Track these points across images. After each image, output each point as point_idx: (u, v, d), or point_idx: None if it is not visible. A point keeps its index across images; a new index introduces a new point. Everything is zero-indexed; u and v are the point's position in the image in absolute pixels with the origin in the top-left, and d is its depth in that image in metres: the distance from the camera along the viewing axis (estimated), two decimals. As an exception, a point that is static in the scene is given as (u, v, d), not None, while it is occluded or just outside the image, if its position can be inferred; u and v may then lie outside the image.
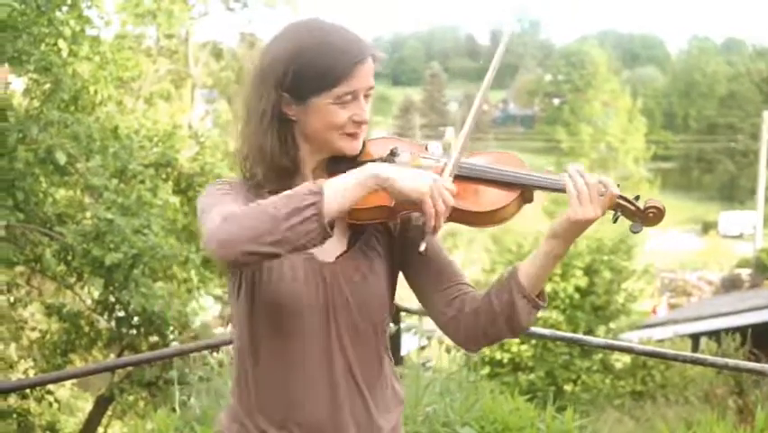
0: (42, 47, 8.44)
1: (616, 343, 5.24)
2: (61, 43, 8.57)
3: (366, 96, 1.95)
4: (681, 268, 38.33)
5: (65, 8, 8.90)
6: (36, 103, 9.12)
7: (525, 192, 1.97)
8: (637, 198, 1.94)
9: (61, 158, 7.98)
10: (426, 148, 2.10)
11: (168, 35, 20.17)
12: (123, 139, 9.65)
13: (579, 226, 1.90)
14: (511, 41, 2.25)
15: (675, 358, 3.94)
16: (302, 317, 1.93)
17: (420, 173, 1.82)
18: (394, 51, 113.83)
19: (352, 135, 1.96)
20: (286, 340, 1.93)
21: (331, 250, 1.98)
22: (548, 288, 15.66)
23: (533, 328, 4.09)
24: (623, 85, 65.13)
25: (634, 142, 59.34)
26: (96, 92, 9.40)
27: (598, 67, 65.01)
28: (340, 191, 1.74)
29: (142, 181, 8.97)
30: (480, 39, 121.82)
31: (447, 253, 2.12)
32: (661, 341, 15.25)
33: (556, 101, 73.30)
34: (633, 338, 15.67)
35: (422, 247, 1.85)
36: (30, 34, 8.33)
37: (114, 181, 8.58)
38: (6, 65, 8.91)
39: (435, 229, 1.82)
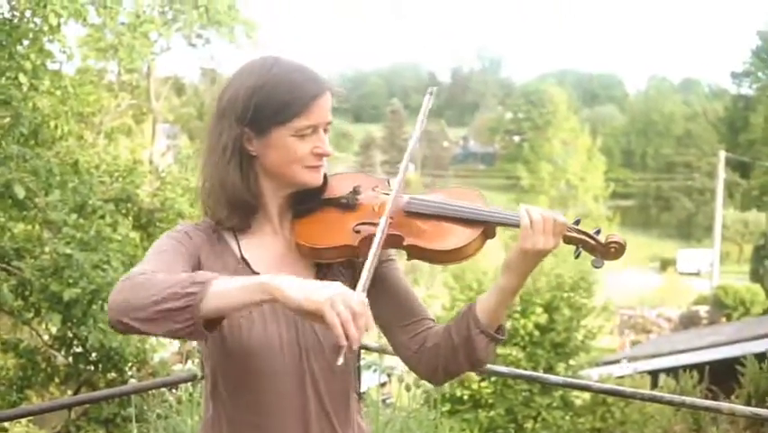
0: (2, 80, 8.40)
1: (575, 381, 5.28)
2: (22, 77, 8.53)
3: (325, 131, 1.98)
4: (640, 305, 38.59)
5: (26, 42, 8.87)
6: (-5, 137, 9.05)
7: (487, 228, 1.98)
8: (598, 231, 1.96)
9: (20, 192, 7.91)
10: (389, 183, 2.12)
11: (129, 70, 20.12)
12: (84, 174, 9.59)
13: (531, 257, 1.91)
14: (433, 102, 2.23)
15: (633, 396, 3.97)
16: (274, 359, 1.92)
17: (321, 286, 1.67)
18: (355, 88, 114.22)
19: (314, 168, 1.98)
20: (259, 382, 1.92)
21: None
22: (508, 325, 15.70)
23: (492, 366, 4.10)
24: (582, 123, 65.80)
25: (593, 179, 59.89)
26: (56, 126, 9.34)
27: (557, 105, 65.68)
28: (224, 292, 1.65)
29: (102, 216, 8.91)
30: (441, 76, 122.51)
31: (411, 287, 2.14)
32: (621, 378, 15.31)
33: (516, 139, 73.91)
34: (593, 375, 15.75)
35: (339, 361, 1.67)
36: (-10, 68, 8.30)
37: (74, 216, 8.51)
38: (-34, 98, 8.85)
39: (348, 340, 1.62)
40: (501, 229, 2.02)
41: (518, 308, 16.00)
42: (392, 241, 1.97)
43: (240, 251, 2.00)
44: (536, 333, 16.08)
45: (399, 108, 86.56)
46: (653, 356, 19.69)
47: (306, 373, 1.95)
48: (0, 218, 8.72)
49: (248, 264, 1.99)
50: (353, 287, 2.05)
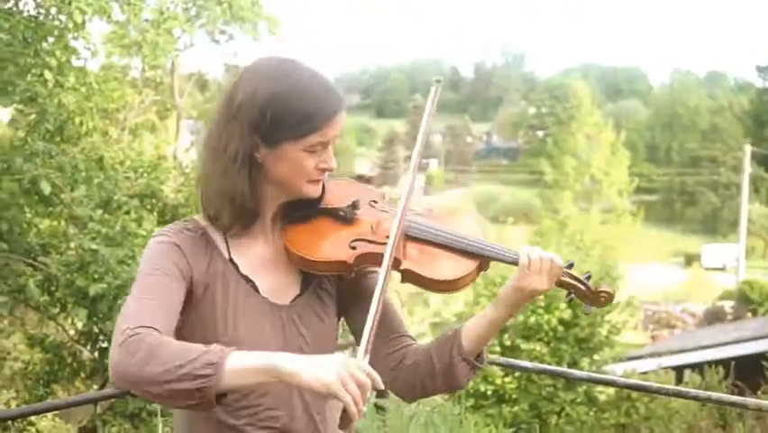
0: (28, 78, 8.46)
1: (599, 376, 5.25)
2: (47, 74, 8.59)
3: (332, 144, 1.96)
4: (664, 300, 38.41)
5: (51, 39, 8.93)
6: (21, 133, 9.13)
7: (482, 262, 1.99)
8: (588, 277, 1.99)
9: (46, 188, 7.97)
10: (384, 197, 2.10)
11: (153, 66, 20.19)
12: (108, 170, 9.64)
13: (524, 295, 1.95)
14: (436, 98, 2.26)
15: (659, 391, 3.96)
16: None
17: (327, 363, 1.66)
18: (378, 84, 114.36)
19: (316, 181, 1.96)
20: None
21: (286, 293, 2.00)
22: (532, 320, 15.80)
23: (517, 361, 4.10)
24: (606, 118, 65.45)
25: (617, 174, 59.56)
26: (81, 123, 9.40)
27: (581, 100, 65.39)
28: (236, 373, 1.64)
29: (127, 212, 8.95)
30: (464, 71, 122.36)
31: (393, 303, 2.13)
32: (645, 373, 15.24)
33: (540, 133, 73.72)
34: (617, 370, 15.66)
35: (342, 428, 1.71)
36: (16, 65, 8.35)
37: (99, 212, 8.57)
38: (-8, 95, 8.93)
39: (356, 415, 1.66)
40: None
41: (542, 304, 15.96)
42: (391, 262, 1.95)
43: (228, 252, 1.97)
44: (560, 328, 16.02)
45: (422, 104, 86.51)
46: (678, 352, 19.57)
47: None
48: (26, 214, 8.78)
49: (236, 267, 1.96)
50: (337, 291, 2.07)
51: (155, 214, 10.23)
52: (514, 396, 15.32)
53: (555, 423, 15.23)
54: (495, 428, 4.51)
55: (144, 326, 1.70)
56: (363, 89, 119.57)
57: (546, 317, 15.88)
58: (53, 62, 8.79)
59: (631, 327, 23.82)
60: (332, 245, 1.97)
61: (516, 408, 15.16)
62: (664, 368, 16.10)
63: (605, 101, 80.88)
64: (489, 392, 15.27)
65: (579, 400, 15.47)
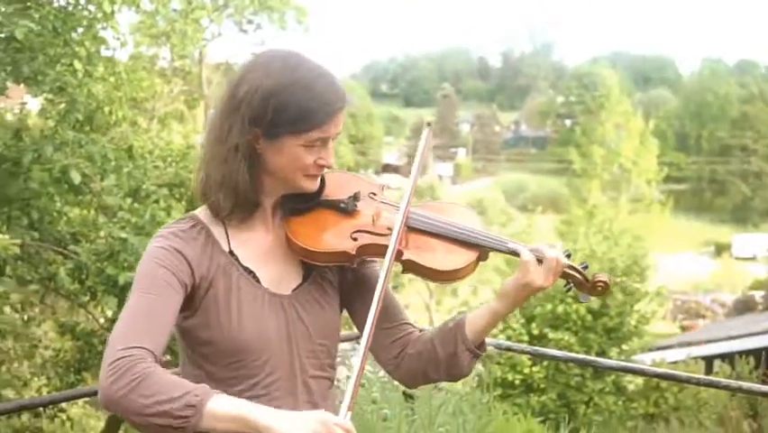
0: (58, 67, 8.50)
1: (629, 365, 5.22)
2: (77, 64, 8.63)
3: (332, 139, 1.95)
4: (693, 290, 38.23)
5: (80, 29, 8.97)
6: (51, 123, 9.17)
7: (482, 253, 2.01)
8: (585, 267, 2.03)
9: (76, 177, 8.02)
10: (383, 189, 2.12)
11: (181, 56, 20.28)
12: (138, 159, 9.70)
13: (528, 291, 1.98)
14: (430, 138, 2.22)
15: (688, 381, 3.93)
16: (266, 350, 1.93)
17: (306, 419, 1.66)
18: (406, 73, 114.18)
19: (314, 176, 1.97)
20: (252, 375, 1.92)
21: (287, 282, 2.01)
22: (560, 309, 15.74)
23: (545, 349, 4.08)
24: (635, 106, 65.10)
25: (646, 163, 59.24)
26: (110, 112, 9.44)
27: (610, 88, 65.08)
28: (216, 417, 1.66)
29: (156, 201, 8.99)
30: (492, 60, 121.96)
31: (393, 292, 2.14)
32: (674, 363, 15.19)
33: (568, 122, 73.43)
34: (646, 360, 15.61)
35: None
36: (46, 55, 8.40)
37: (129, 201, 8.62)
38: (22, 85, 8.98)
39: None
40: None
41: (572, 294, 15.93)
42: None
43: (228, 244, 1.98)
44: (589, 317, 15.98)
45: (451, 93, 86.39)
46: (708, 342, 19.48)
47: (295, 360, 1.96)
48: (56, 203, 8.84)
49: (237, 259, 1.97)
50: (340, 281, 2.09)
51: (183, 203, 10.28)
52: (542, 385, 15.31)
53: (584, 413, 15.21)
54: (523, 417, 4.51)
55: (136, 347, 1.71)
56: (391, 78, 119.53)
57: (575, 306, 15.84)
58: (82, 52, 8.81)
59: (660, 318, 23.70)
60: (333, 237, 1.99)
61: (543, 397, 15.15)
62: (694, 358, 16.04)
63: (634, 90, 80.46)
64: (517, 382, 15.27)
65: (607, 389, 15.44)
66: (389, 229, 1.96)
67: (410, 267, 1.98)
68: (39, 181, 8.23)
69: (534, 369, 15.19)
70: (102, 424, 11.39)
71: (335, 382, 2.16)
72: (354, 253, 1.97)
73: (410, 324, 2.12)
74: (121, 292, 8.34)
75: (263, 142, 1.90)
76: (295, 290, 2.01)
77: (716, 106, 72.52)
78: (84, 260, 8.37)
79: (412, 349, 2.07)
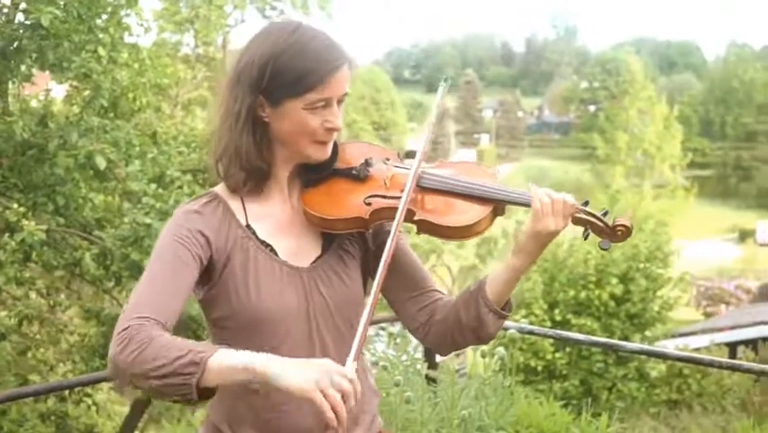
0: (82, 54, 8.55)
1: (651, 348, 5.23)
2: (101, 50, 8.67)
3: (339, 103, 1.95)
4: (717, 276, 38.01)
5: (104, 16, 9.01)
6: (76, 109, 9.24)
7: (497, 207, 2.00)
8: (605, 213, 1.98)
9: (101, 163, 8.08)
10: (398, 155, 2.12)
11: (205, 42, 20.32)
12: (162, 145, 9.75)
13: (542, 238, 1.95)
14: (445, 92, 2.27)
15: (711, 364, 3.94)
16: (284, 323, 1.94)
17: (309, 366, 1.66)
18: (429, 59, 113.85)
19: (322, 143, 1.97)
20: (269, 349, 1.86)
21: (306, 255, 2.01)
22: (583, 295, 15.72)
23: (568, 333, 4.09)
24: (659, 92, 64.69)
25: (670, 149, 58.92)
26: (134, 98, 9.50)
27: (634, 74, 64.66)
28: (219, 371, 1.66)
29: (180, 187, 9.04)
30: (516, 46, 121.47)
31: (418, 259, 2.15)
32: (697, 349, 15.14)
33: (592, 108, 73.06)
34: (669, 346, 15.58)
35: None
36: (71, 42, 8.45)
37: (153, 186, 8.67)
38: (47, 72, 9.05)
39: (333, 422, 1.62)
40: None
41: (593, 279, 15.88)
42: (404, 215, 1.97)
43: (246, 218, 1.99)
44: (612, 304, 15.94)
45: (474, 79, 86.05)
46: (732, 328, 19.38)
47: (315, 334, 1.97)
48: (82, 189, 8.91)
49: (254, 232, 1.98)
50: (362, 252, 2.09)
51: (207, 188, 10.32)
52: (564, 372, 15.30)
53: (606, 399, 15.20)
54: (546, 401, 4.52)
55: (145, 317, 1.73)
56: (414, 65, 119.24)
57: (597, 292, 15.81)
58: (107, 39, 8.87)
59: (684, 304, 23.59)
60: (347, 203, 2.00)
61: (566, 383, 15.14)
62: (717, 344, 15.99)
63: (658, 75, 79.91)
64: (540, 368, 15.27)
65: (630, 376, 15.41)
66: (402, 192, 1.97)
67: (424, 227, 1.99)
68: (64, 167, 8.30)
69: (557, 355, 15.18)
70: (126, 409, 11.50)
71: (366, 361, 2.17)
72: (368, 217, 1.98)
73: (437, 291, 2.12)
74: (145, 277, 8.40)
75: (268, 110, 1.93)
76: (313, 262, 2.01)
77: (741, 92, 71.93)
78: (109, 245, 8.43)
79: (439, 315, 2.06)
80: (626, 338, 15.62)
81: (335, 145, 2.03)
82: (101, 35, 8.79)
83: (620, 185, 50.13)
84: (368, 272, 2.11)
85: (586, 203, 1.98)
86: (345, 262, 2.05)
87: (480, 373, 4.74)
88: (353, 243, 2.08)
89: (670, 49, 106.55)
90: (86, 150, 8.11)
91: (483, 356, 4.48)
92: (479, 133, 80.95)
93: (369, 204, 1.99)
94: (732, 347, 16.75)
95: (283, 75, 1.88)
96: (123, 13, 9.30)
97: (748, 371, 3.88)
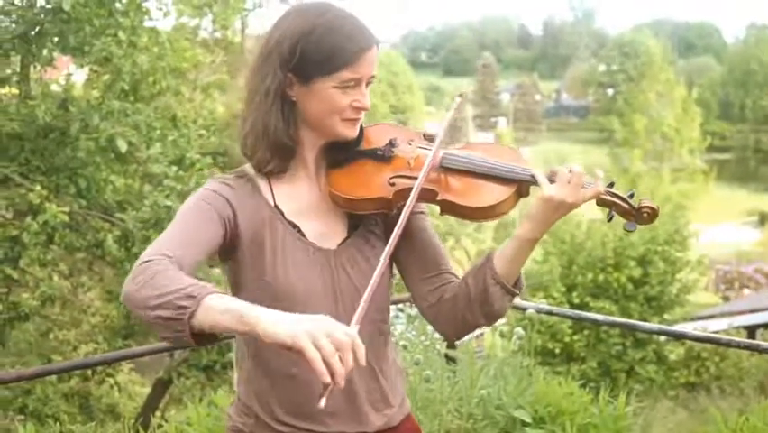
0: (103, 38, 8.61)
1: (668, 328, 5.24)
2: (121, 35, 8.73)
3: (368, 84, 1.96)
4: (736, 260, 37.84)
5: (124, 0, 9.07)
6: (97, 93, 9.31)
7: (520, 186, 1.98)
8: (632, 195, 1.96)
9: (122, 146, 8.15)
10: (424, 136, 2.12)
11: (223, 26, 20.33)
12: (182, 128, 9.81)
13: (552, 207, 1.91)
14: (463, 104, 2.24)
15: (728, 344, 3.95)
16: (311, 305, 1.90)
17: (302, 318, 1.56)
18: (446, 42, 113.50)
19: (351, 121, 1.97)
20: None
21: (332, 237, 2.02)
22: (601, 278, 15.75)
23: (587, 313, 4.12)
24: (678, 75, 64.25)
25: (689, 132, 58.53)
26: (154, 82, 9.56)
27: (652, 56, 64.21)
28: (212, 313, 1.59)
29: (200, 169, 9.11)
30: (533, 29, 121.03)
31: (437, 238, 2.14)
32: (716, 332, 15.14)
33: (610, 91, 72.71)
34: (687, 329, 15.58)
35: (321, 403, 1.51)
36: (91, 26, 8.51)
37: (173, 169, 8.73)
38: (69, 56, 9.12)
39: (332, 378, 1.50)
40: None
41: (612, 262, 15.88)
42: (426, 195, 1.97)
43: (273, 199, 2.00)
44: (630, 286, 15.96)
45: (491, 62, 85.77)
46: (751, 311, 19.35)
47: (341, 315, 1.87)
48: (103, 172, 8.98)
49: (281, 213, 1.99)
50: (386, 232, 2.06)
51: (227, 171, 10.38)
52: (582, 354, 15.34)
53: (624, 381, 15.21)
54: (564, 381, 4.55)
55: (162, 254, 1.73)
56: (431, 48, 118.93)
57: (616, 275, 15.83)
58: (127, 23, 8.92)
59: (702, 288, 23.54)
60: (372, 184, 2.00)
61: (584, 366, 15.18)
62: (736, 327, 15.98)
63: (677, 58, 79.39)
64: (558, 351, 15.31)
65: (648, 358, 15.44)
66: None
67: (447, 207, 1.98)
68: (86, 150, 8.38)
69: (575, 337, 15.22)
70: (148, 390, 11.62)
71: (392, 341, 2.16)
72: (392, 197, 1.98)
73: (452, 273, 2.09)
74: (167, 259, 8.48)
75: (297, 89, 1.93)
76: (340, 244, 2.02)
77: (761, 74, 71.37)
78: (130, 227, 8.52)
79: (449, 294, 2.04)
80: (644, 321, 15.62)
81: (360, 127, 2.03)
82: (121, 19, 8.85)
83: (639, 168, 49.93)
84: (391, 259, 2.08)
85: (611, 184, 1.97)
86: (372, 244, 2.05)
87: (498, 354, 4.78)
88: (379, 225, 2.08)
89: (689, 31, 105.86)
90: (108, 133, 8.19)
91: (502, 336, 4.52)
92: (496, 116, 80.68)
93: (393, 184, 1.99)
94: (751, 331, 16.74)
95: (314, 53, 1.89)
96: (142, -4, 9.36)
97: (766, 351, 3.89)
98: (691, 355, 15.13)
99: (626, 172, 44.57)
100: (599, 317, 4.84)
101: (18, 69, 9.22)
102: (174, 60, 10.26)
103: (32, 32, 8.53)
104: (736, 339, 3.86)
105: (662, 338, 14.96)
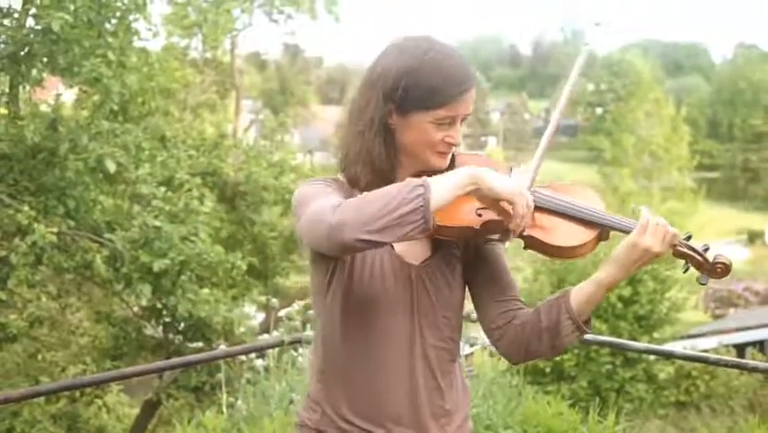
0: (92, 58, 8.61)
1: (657, 347, 5.25)
2: (110, 55, 8.73)
3: (462, 120, 2.07)
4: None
5: (114, 20, 9.07)
6: (86, 113, 9.30)
7: (602, 231, 2.09)
8: (706, 249, 2.04)
9: (111, 166, 8.15)
10: (511, 170, 2.20)
11: (213, 47, 20.38)
12: (171, 148, 9.81)
13: (637, 253, 2.00)
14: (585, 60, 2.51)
15: (717, 363, 3.96)
16: (390, 314, 2.04)
17: (512, 178, 1.99)
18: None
19: (442, 154, 2.07)
20: (373, 335, 2.03)
21: (417, 254, 2.10)
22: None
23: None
24: (666, 94, 64.45)
25: (678, 151, 58.62)
26: (143, 102, 9.56)
27: (641, 76, 64.44)
28: (443, 187, 1.82)
29: (189, 190, 9.11)
30: (523, 49, 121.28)
31: (507, 267, 2.24)
32: (705, 351, 15.14)
33: (599, 110, 72.85)
34: (676, 348, 15.57)
35: (506, 244, 2.04)
36: (81, 46, 8.51)
37: (162, 189, 8.72)
38: (58, 76, 9.11)
39: (517, 230, 1.93)
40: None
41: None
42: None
43: None
44: (619, 305, 15.94)
45: (481, 81, 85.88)
46: (740, 330, 19.37)
47: (416, 328, 2.06)
48: (92, 192, 8.96)
49: None
50: (464, 256, 2.19)
51: (216, 191, 10.38)
52: (572, 373, 15.30)
53: (614, 400, 15.16)
54: (553, 400, 4.56)
55: (333, 203, 1.85)
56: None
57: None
58: (116, 43, 8.93)
59: (692, 307, 23.56)
60: (460, 212, 2.06)
61: (574, 385, 15.13)
62: (725, 346, 15.98)
63: (665, 77, 79.65)
64: (548, 369, 15.27)
65: (638, 377, 15.41)
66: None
67: (531, 243, 2.07)
68: (74, 171, 8.36)
69: (565, 356, 15.17)
70: (136, 411, 11.55)
71: (461, 364, 2.26)
72: (479, 228, 2.04)
73: (521, 301, 2.20)
74: (155, 279, 8.47)
75: (396, 119, 2.03)
76: (424, 262, 2.10)
77: (749, 93, 71.68)
78: (119, 248, 8.49)
79: (518, 321, 2.14)
80: (633, 340, 15.61)
81: (452, 156, 2.13)
82: (110, 40, 8.86)
83: (628, 187, 50.05)
84: (465, 274, 2.20)
85: (689, 237, 2.06)
86: (453, 266, 2.14)
87: (488, 373, 4.78)
88: (458, 249, 2.17)
89: (677, 51, 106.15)
90: (97, 153, 8.18)
91: (492, 355, 4.51)
92: (486, 135, 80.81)
93: (480, 215, 2.06)
94: (740, 349, 16.74)
95: (417, 89, 1.99)
96: (131, 17, 9.36)
97: (754, 369, 3.90)
98: (681, 374, 15.12)
99: (617, 191, 44.63)
100: (589, 336, 4.84)
101: (7, 90, 9.21)
102: (164, 81, 10.27)
103: (22, 53, 8.52)
104: (725, 358, 3.87)
105: (652, 357, 14.96)
